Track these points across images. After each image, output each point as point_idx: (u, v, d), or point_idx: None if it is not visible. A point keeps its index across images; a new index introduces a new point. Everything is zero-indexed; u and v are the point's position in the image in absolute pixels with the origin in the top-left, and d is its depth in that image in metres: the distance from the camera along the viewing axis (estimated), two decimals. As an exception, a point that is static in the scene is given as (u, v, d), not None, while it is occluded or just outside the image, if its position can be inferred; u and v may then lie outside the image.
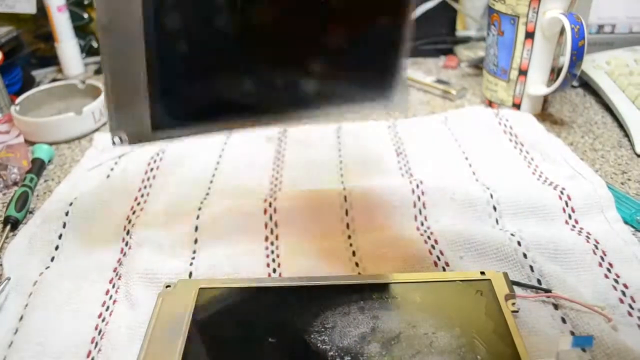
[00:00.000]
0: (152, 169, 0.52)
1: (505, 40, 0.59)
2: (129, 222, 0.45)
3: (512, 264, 0.40)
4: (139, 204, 0.48)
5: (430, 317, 0.34)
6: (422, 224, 0.45)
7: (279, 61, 0.36)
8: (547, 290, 0.37)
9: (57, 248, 0.44)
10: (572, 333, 0.35)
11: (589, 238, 0.41)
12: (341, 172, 0.53)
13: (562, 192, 0.45)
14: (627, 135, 0.57)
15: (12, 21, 0.76)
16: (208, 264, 0.41)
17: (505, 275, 0.37)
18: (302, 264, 0.41)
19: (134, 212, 0.47)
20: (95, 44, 0.84)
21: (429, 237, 0.43)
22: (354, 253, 0.42)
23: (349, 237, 0.44)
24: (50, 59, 0.81)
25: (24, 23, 0.78)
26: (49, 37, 0.78)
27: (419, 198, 0.47)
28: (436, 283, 0.37)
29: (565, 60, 0.54)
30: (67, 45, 0.78)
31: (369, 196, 0.47)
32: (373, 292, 0.37)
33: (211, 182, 0.52)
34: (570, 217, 0.44)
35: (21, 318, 0.38)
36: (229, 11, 0.32)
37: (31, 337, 0.36)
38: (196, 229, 0.45)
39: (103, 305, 0.39)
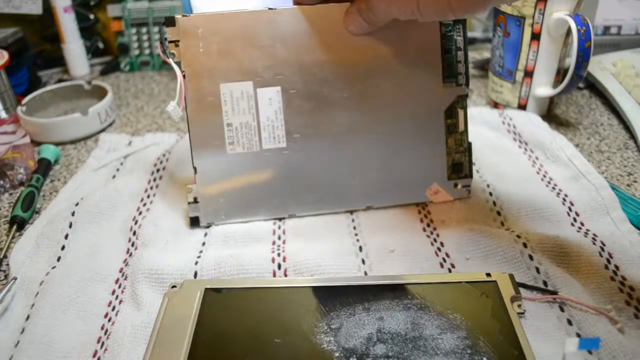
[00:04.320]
0: (158, 170, 0.53)
1: (511, 42, 0.59)
2: (135, 222, 0.46)
3: (518, 266, 0.40)
4: (145, 204, 0.48)
5: (436, 319, 0.34)
6: (429, 225, 0.45)
7: None
8: (553, 292, 0.37)
9: (63, 248, 0.44)
10: (579, 335, 0.34)
11: (595, 240, 0.41)
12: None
13: (564, 199, 0.45)
14: (633, 137, 0.57)
15: (18, 22, 0.76)
16: (213, 264, 0.41)
17: (511, 276, 0.37)
18: (308, 260, 0.41)
19: (140, 213, 0.47)
20: (101, 45, 0.84)
21: (435, 239, 0.43)
22: (360, 249, 0.42)
23: (356, 234, 0.44)
24: (56, 60, 0.81)
25: (30, 24, 0.79)
26: (55, 38, 0.78)
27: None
28: (442, 284, 0.37)
29: (571, 61, 0.54)
30: (73, 46, 0.78)
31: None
32: (379, 293, 0.37)
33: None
34: (575, 220, 0.44)
35: (27, 317, 0.38)
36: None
37: (37, 336, 0.36)
38: (205, 234, 0.45)
39: (109, 305, 0.39)
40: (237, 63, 0.43)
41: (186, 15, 0.42)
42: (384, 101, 0.45)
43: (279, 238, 0.44)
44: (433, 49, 0.45)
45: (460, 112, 0.46)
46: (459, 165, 0.47)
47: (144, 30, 0.80)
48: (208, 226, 0.46)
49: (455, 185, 0.47)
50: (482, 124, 0.58)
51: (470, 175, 0.47)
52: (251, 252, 0.42)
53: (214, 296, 0.37)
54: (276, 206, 0.46)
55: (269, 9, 0.43)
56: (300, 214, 0.46)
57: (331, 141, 0.45)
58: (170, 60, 0.42)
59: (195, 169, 0.45)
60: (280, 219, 0.46)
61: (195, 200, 0.45)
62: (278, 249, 0.42)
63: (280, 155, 0.45)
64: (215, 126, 0.44)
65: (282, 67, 0.44)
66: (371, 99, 0.45)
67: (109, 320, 0.37)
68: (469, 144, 0.47)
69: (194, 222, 0.46)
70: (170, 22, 0.42)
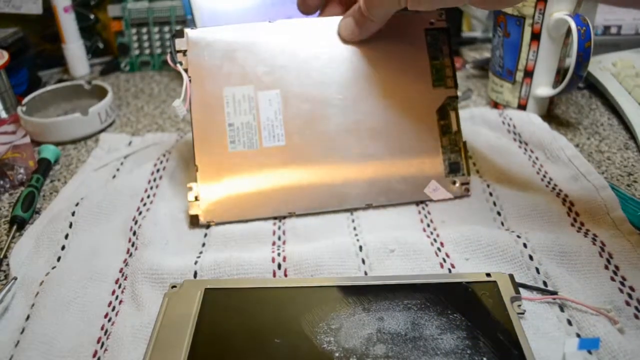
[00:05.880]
0: (158, 170, 0.53)
1: (511, 42, 0.59)
2: (135, 222, 0.46)
3: (518, 266, 0.40)
4: (145, 204, 0.48)
5: (436, 319, 0.34)
6: (429, 225, 0.45)
7: None
8: (553, 292, 0.37)
9: (63, 248, 0.44)
10: (578, 335, 0.34)
11: (595, 240, 0.41)
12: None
13: (564, 199, 0.45)
14: (633, 137, 0.57)
15: (18, 22, 0.76)
16: (213, 264, 0.41)
17: (511, 277, 0.37)
18: (308, 260, 0.41)
19: (140, 213, 0.47)
20: (101, 45, 0.84)
21: (435, 239, 0.43)
22: (360, 248, 0.42)
23: (356, 234, 0.44)
24: (57, 60, 0.81)
25: (30, 24, 0.79)
26: (55, 38, 0.78)
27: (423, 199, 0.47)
28: (442, 284, 0.37)
29: (571, 61, 0.54)
30: (73, 46, 0.78)
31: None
32: (379, 293, 0.37)
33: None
34: (575, 220, 0.44)
35: (27, 317, 0.38)
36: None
37: (37, 336, 0.36)
38: (205, 235, 0.45)
39: (109, 306, 0.39)
40: (240, 69, 0.47)
41: (194, 29, 0.47)
42: (379, 103, 0.48)
43: (279, 238, 0.44)
44: (421, 56, 0.49)
45: (452, 113, 0.48)
46: (456, 164, 0.48)
47: (144, 30, 0.80)
48: (208, 225, 0.46)
49: (454, 182, 0.48)
50: (482, 124, 0.58)
51: (468, 174, 0.48)
52: (251, 252, 0.42)
53: (214, 296, 0.37)
54: (276, 204, 0.46)
55: (269, 22, 0.48)
56: (299, 212, 0.46)
57: (329, 140, 0.47)
58: (179, 67, 0.46)
59: (197, 167, 0.46)
60: (280, 219, 0.46)
61: (196, 199, 0.46)
62: (278, 249, 0.42)
63: (279, 154, 0.46)
64: (218, 126, 0.46)
65: (281, 72, 0.47)
66: (367, 101, 0.47)
67: (109, 321, 0.37)
68: (464, 143, 0.48)
69: (195, 220, 0.46)
70: (179, 34, 0.47)
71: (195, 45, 0.47)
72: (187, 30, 0.47)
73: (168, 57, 0.47)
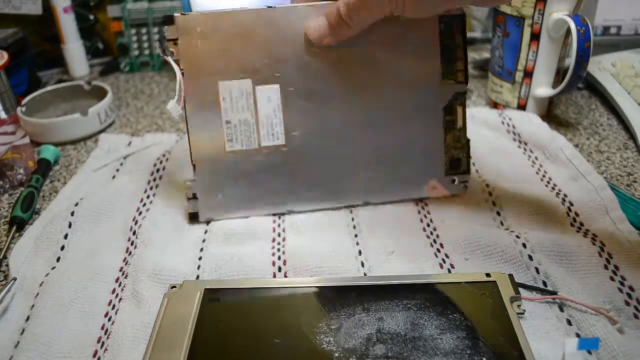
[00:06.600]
0: (157, 170, 0.53)
1: (511, 42, 0.59)
2: (135, 222, 0.46)
3: (518, 266, 0.40)
4: (144, 204, 0.48)
5: (436, 319, 0.34)
6: (429, 225, 0.45)
7: None
8: (553, 292, 0.37)
9: (63, 248, 0.44)
10: (578, 335, 0.35)
11: (594, 240, 0.41)
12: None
13: (564, 199, 0.45)
14: (632, 137, 0.57)
15: (18, 22, 0.76)
16: (214, 265, 0.41)
17: (511, 277, 0.37)
18: (308, 262, 0.41)
19: (139, 213, 0.47)
20: (100, 46, 0.84)
21: (435, 240, 0.43)
22: (360, 252, 0.42)
23: (356, 235, 0.44)
24: (56, 60, 0.81)
25: (30, 24, 0.78)
26: (55, 39, 0.78)
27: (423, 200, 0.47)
28: (442, 284, 0.37)
29: (570, 62, 0.54)
30: (73, 47, 0.78)
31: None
32: (378, 293, 0.37)
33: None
34: (575, 220, 0.44)
35: (27, 318, 0.38)
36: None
37: (37, 336, 0.36)
38: (205, 231, 0.45)
39: (109, 305, 0.39)
40: (236, 61, 0.44)
41: (185, 14, 0.43)
42: (382, 97, 0.45)
43: (279, 235, 0.44)
44: (432, 45, 0.45)
45: (459, 109, 0.47)
46: (458, 161, 0.47)
47: (143, 30, 0.80)
48: (207, 222, 0.46)
49: (453, 181, 0.47)
50: (481, 124, 0.58)
51: (468, 171, 0.48)
52: (251, 253, 0.42)
53: (214, 296, 0.37)
54: (275, 202, 0.46)
55: (268, 7, 0.43)
56: (298, 209, 0.46)
57: (329, 137, 0.46)
58: (169, 58, 0.43)
59: (194, 165, 0.45)
60: (279, 216, 0.46)
61: (195, 197, 0.45)
62: (278, 246, 0.42)
63: (278, 152, 0.45)
64: (214, 123, 0.45)
65: (281, 65, 0.44)
66: (369, 95, 0.45)
67: (109, 320, 0.37)
68: (468, 140, 0.47)
69: (193, 217, 0.46)
70: (169, 20, 0.43)
71: (187, 33, 0.43)
72: (178, 16, 0.43)
73: (158, 47, 0.43)
